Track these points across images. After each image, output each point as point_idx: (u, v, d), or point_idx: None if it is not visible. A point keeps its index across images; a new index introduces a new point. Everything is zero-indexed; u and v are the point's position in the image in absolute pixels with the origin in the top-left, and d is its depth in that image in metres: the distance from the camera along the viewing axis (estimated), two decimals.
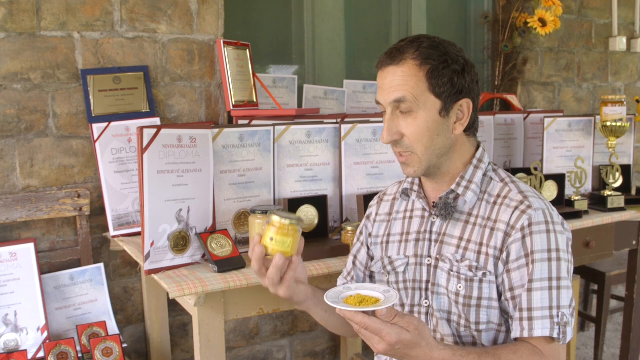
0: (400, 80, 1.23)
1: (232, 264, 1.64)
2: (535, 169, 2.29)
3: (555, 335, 1.18)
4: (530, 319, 1.19)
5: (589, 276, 2.98)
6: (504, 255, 1.23)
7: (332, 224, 1.98)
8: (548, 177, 2.32)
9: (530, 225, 1.22)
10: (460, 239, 1.29)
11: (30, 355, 1.81)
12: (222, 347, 1.62)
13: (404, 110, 1.24)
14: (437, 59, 1.23)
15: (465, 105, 1.27)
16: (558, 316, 1.18)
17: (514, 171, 2.34)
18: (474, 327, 1.26)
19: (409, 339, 1.07)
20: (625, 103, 2.48)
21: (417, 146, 1.26)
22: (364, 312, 1.07)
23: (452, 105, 1.26)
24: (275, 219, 1.17)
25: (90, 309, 2.01)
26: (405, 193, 1.42)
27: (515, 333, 1.21)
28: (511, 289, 1.23)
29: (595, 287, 3.07)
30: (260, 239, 1.20)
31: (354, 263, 1.51)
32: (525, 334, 1.19)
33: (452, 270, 1.28)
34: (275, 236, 1.16)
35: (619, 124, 2.46)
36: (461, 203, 1.31)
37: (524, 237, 1.22)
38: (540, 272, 1.20)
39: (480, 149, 1.34)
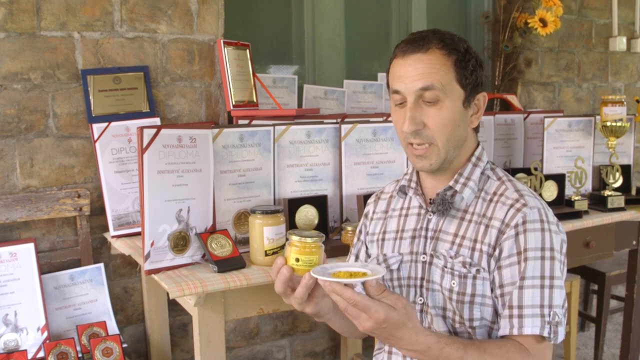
0: (428, 68, 1.21)
1: (232, 264, 1.64)
2: (535, 169, 2.29)
3: (545, 334, 1.17)
4: (520, 316, 1.18)
5: (589, 276, 2.98)
6: (497, 252, 1.23)
7: (332, 224, 1.98)
8: (548, 177, 2.32)
9: (524, 223, 1.21)
10: (455, 235, 1.29)
11: (30, 355, 1.82)
12: (222, 347, 1.62)
13: (428, 99, 1.22)
14: (462, 50, 1.24)
15: (481, 99, 1.29)
16: (549, 315, 1.18)
17: (514, 171, 2.34)
18: (468, 324, 1.26)
19: (396, 318, 1.07)
20: (625, 103, 2.48)
21: (439, 137, 1.24)
22: (353, 288, 1.06)
23: (473, 97, 1.27)
24: (296, 238, 1.17)
25: (90, 309, 2.01)
26: (403, 190, 1.41)
27: (503, 330, 1.20)
28: (501, 286, 1.22)
29: (595, 287, 3.07)
30: (284, 261, 1.18)
31: None
32: (515, 332, 1.18)
33: (445, 267, 1.28)
34: (300, 256, 1.16)
35: (619, 124, 2.46)
36: (458, 200, 1.31)
37: (517, 234, 1.21)
38: (532, 270, 1.19)
39: (480, 147, 1.35)
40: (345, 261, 1.58)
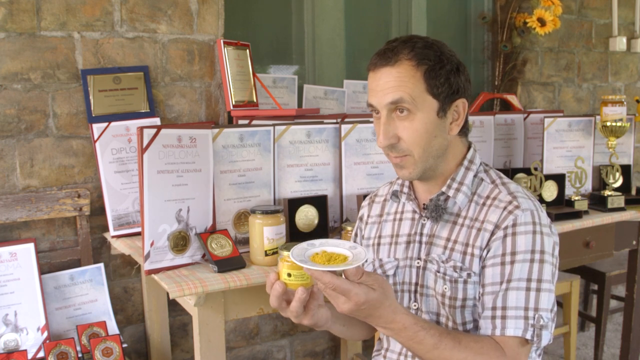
0: (397, 81, 1.20)
1: (232, 264, 1.64)
2: (535, 169, 2.29)
3: (528, 337, 1.16)
4: (503, 317, 1.17)
5: (589, 276, 2.98)
6: (484, 252, 1.23)
7: (332, 224, 1.98)
8: (548, 177, 2.32)
9: (514, 225, 1.20)
10: (448, 239, 1.28)
11: (30, 355, 1.81)
12: (222, 347, 1.62)
13: (400, 112, 1.21)
14: (433, 59, 1.21)
15: (460, 105, 1.26)
16: (534, 318, 1.16)
17: (514, 171, 2.34)
18: (461, 328, 1.26)
19: (375, 298, 1.07)
20: (625, 103, 2.48)
21: (414, 149, 1.23)
22: (332, 271, 1.06)
23: (449, 106, 1.24)
24: (287, 254, 1.17)
25: (90, 309, 2.01)
26: (395, 195, 1.40)
27: (485, 331, 1.19)
28: (483, 286, 1.22)
29: (595, 287, 3.07)
30: (277, 276, 1.18)
31: None
32: (497, 332, 1.17)
33: (438, 272, 1.27)
34: (292, 271, 1.16)
35: (619, 124, 2.46)
36: (451, 204, 1.30)
37: (505, 236, 1.20)
38: (519, 272, 1.18)
39: (471, 150, 1.33)
40: None
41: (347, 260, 1.09)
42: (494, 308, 1.19)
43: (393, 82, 1.21)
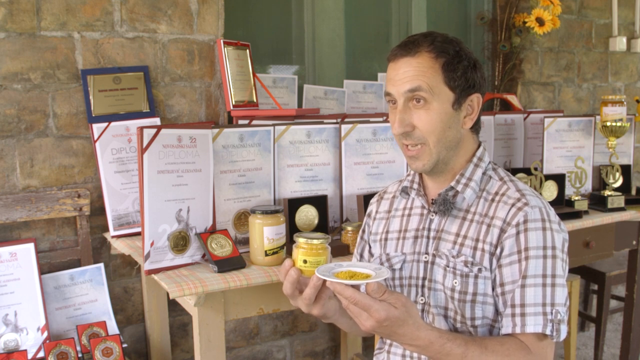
0: (416, 70, 1.24)
1: (232, 264, 1.64)
2: (535, 169, 2.29)
3: (548, 332, 1.18)
4: (522, 314, 1.19)
5: (589, 276, 2.98)
6: (498, 250, 1.24)
7: (332, 224, 1.98)
8: (548, 177, 2.32)
9: (525, 222, 1.22)
10: (457, 235, 1.30)
11: (30, 355, 1.81)
12: (222, 347, 1.62)
13: (417, 100, 1.25)
14: (452, 52, 1.26)
15: (475, 100, 1.30)
16: (552, 313, 1.19)
17: (514, 171, 2.34)
18: (470, 323, 1.27)
19: (396, 316, 1.08)
20: (625, 103, 2.48)
21: (429, 137, 1.26)
22: (353, 286, 1.08)
23: (464, 99, 1.28)
24: (302, 240, 1.20)
25: (90, 309, 2.01)
26: (405, 191, 1.42)
27: (506, 329, 1.21)
28: (501, 285, 1.23)
29: (595, 287, 3.07)
30: (292, 263, 1.21)
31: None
32: (518, 330, 1.19)
33: (448, 266, 1.29)
34: (308, 258, 1.18)
35: (619, 124, 2.46)
36: (460, 200, 1.32)
37: (518, 233, 1.22)
38: (534, 269, 1.20)
39: (481, 148, 1.36)
40: (350, 260, 1.59)
41: (370, 278, 1.11)
42: (513, 306, 1.21)
43: (412, 71, 1.25)
